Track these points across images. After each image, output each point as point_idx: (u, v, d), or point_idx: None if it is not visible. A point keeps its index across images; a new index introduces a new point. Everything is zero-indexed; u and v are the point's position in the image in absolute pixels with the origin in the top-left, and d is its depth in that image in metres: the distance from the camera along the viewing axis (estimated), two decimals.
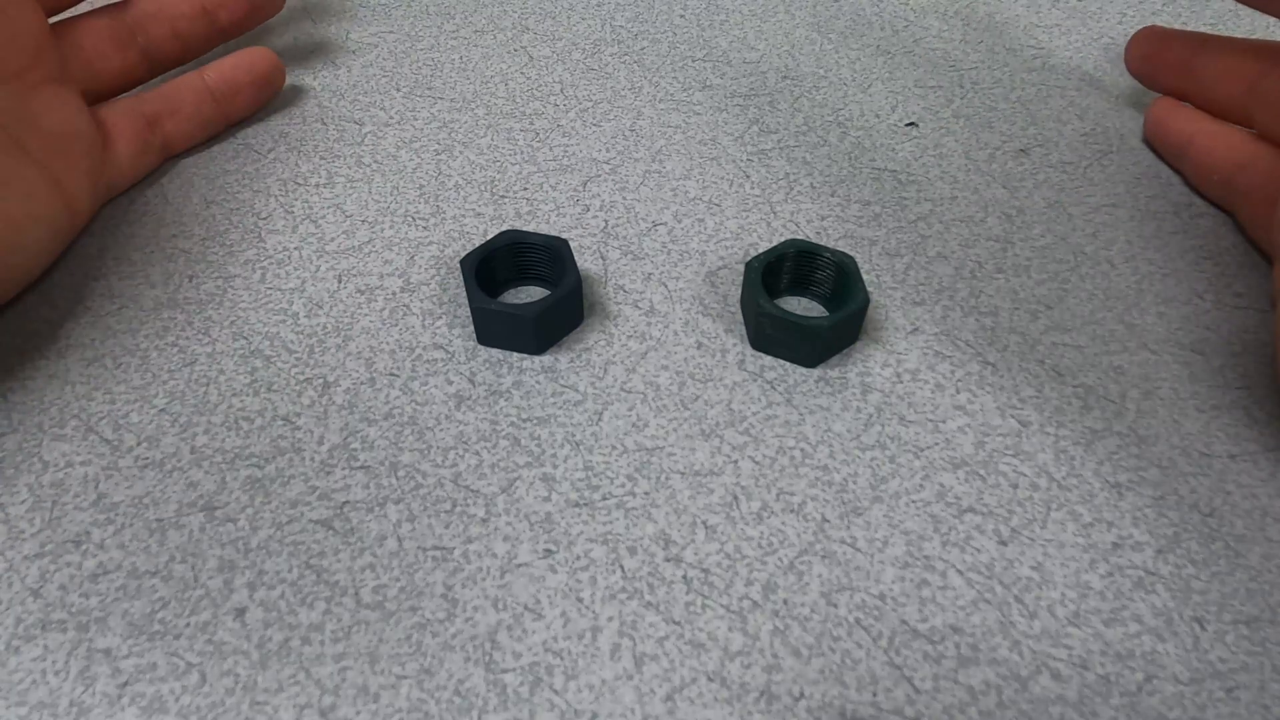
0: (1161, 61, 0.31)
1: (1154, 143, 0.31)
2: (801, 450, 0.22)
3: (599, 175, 0.30)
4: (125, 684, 0.18)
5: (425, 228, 0.28)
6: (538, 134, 0.32)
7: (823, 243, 0.25)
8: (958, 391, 0.23)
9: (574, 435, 0.22)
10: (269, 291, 0.26)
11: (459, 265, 0.25)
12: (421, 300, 0.26)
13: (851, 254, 0.24)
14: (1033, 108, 0.33)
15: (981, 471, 0.21)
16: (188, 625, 0.19)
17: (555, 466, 0.22)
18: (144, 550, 0.20)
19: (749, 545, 0.20)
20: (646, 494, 0.21)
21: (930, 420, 0.23)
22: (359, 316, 0.25)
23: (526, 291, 0.26)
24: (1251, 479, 0.21)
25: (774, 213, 0.29)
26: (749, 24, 0.39)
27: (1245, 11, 0.39)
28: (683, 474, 0.21)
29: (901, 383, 0.23)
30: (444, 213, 0.29)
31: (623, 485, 0.21)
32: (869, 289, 0.24)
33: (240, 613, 0.19)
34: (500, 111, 0.33)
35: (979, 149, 0.32)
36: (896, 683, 0.18)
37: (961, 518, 0.21)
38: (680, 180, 0.30)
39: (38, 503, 0.21)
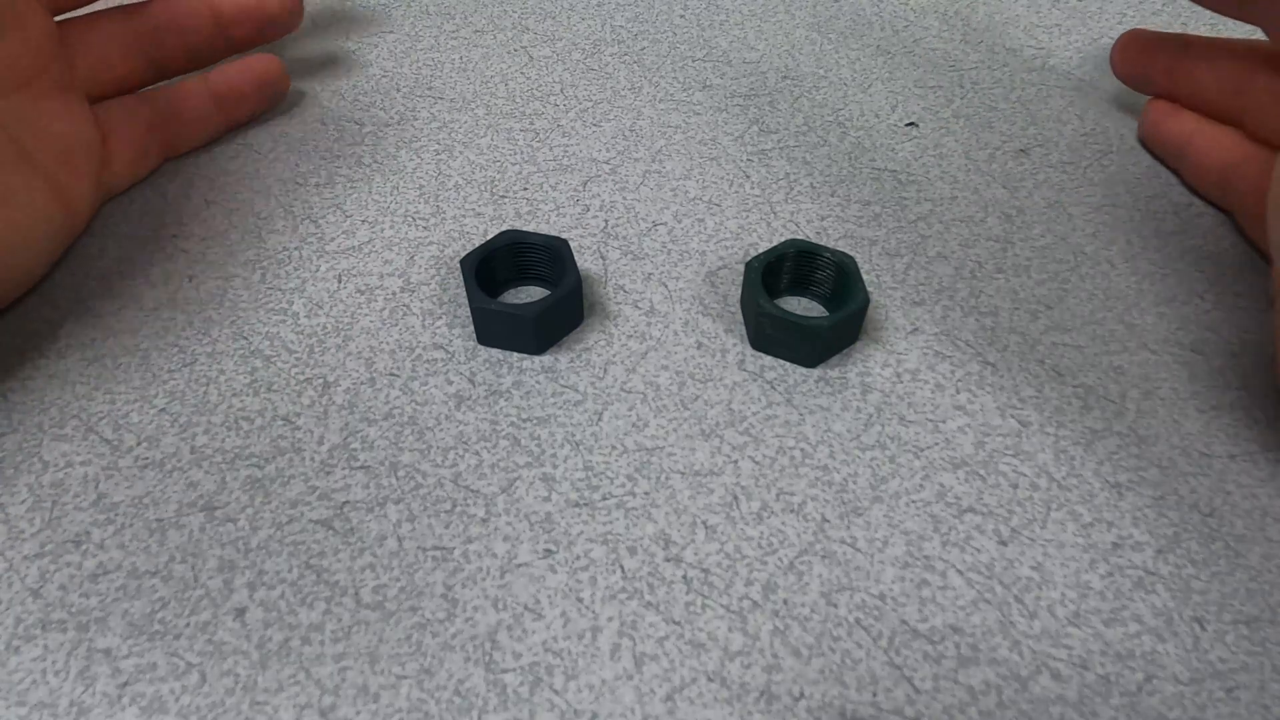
0: (1149, 66, 0.31)
1: (1150, 145, 0.31)
2: (801, 450, 0.22)
3: (599, 175, 0.30)
4: (125, 684, 0.18)
5: (425, 228, 0.28)
6: (538, 134, 0.32)
7: (823, 243, 0.25)
8: (958, 391, 0.23)
9: (574, 435, 0.22)
10: (269, 291, 0.26)
11: (459, 265, 0.25)
12: (421, 300, 0.26)
13: (851, 254, 0.24)
14: (1033, 108, 0.33)
15: (981, 471, 0.21)
16: (188, 625, 0.19)
17: (555, 466, 0.22)
18: (144, 550, 0.20)
19: (749, 545, 0.20)
20: (646, 494, 0.21)
21: (930, 420, 0.23)
22: (359, 316, 0.25)
23: (526, 291, 0.26)
24: (1251, 479, 0.21)
25: (774, 213, 0.29)
26: (749, 24, 0.39)
27: None
28: (683, 474, 0.21)
29: (901, 383, 0.23)
30: (444, 213, 0.29)
31: (623, 485, 0.21)
32: (869, 289, 0.24)
33: (240, 613, 0.19)
34: (500, 111, 0.33)
35: (979, 149, 0.32)
36: (896, 683, 0.18)
37: (961, 518, 0.21)
38: (680, 180, 0.30)
39: (38, 503, 0.21)
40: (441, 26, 0.38)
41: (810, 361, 0.24)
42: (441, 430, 0.22)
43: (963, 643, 0.18)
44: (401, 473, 0.21)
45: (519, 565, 0.20)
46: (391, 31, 0.38)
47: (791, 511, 0.21)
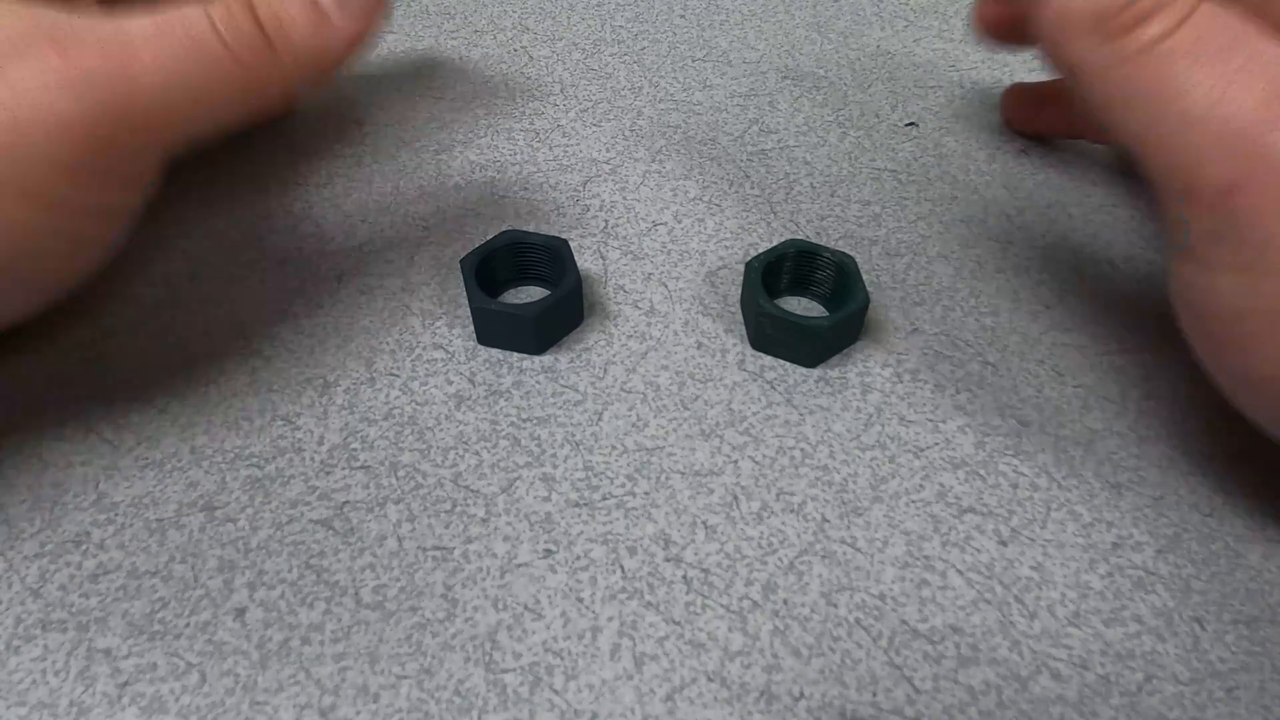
0: (1041, 119, 0.31)
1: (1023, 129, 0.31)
2: (801, 450, 0.22)
3: (599, 175, 0.30)
4: (125, 684, 0.18)
5: (425, 228, 0.28)
6: (538, 134, 0.32)
7: (823, 243, 0.25)
8: (958, 391, 0.23)
9: (574, 435, 0.22)
10: (269, 291, 0.26)
11: (459, 265, 0.25)
12: (421, 300, 0.26)
13: (851, 254, 0.24)
14: None
15: (981, 471, 0.21)
16: (188, 625, 0.19)
17: (555, 466, 0.22)
18: (144, 550, 0.20)
19: (749, 545, 0.20)
20: (646, 494, 0.21)
21: (930, 420, 0.23)
22: (359, 316, 0.25)
23: (526, 291, 0.26)
24: (1251, 479, 0.21)
25: (774, 213, 0.29)
26: (749, 24, 0.39)
27: None
28: (683, 474, 0.21)
29: (901, 383, 0.23)
30: (444, 213, 0.29)
31: (623, 485, 0.21)
32: (869, 289, 0.24)
33: (240, 613, 0.19)
34: (500, 111, 0.33)
35: (979, 149, 0.32)
36: (896, 683, 0.18)
37: (961, 518, 0.21)
38: (680, 180, 0.30)
39: (38, 503, 0.21)
40: (441, 26, 0.38)
41: (810, 361, 0.24)
42: (441, 430, 0.22)
43: (963, 643, 0.18)
44: (401, 473, 0.21)
45: (519, 565, 0.20)
46: (392, 31, 0.38)
47: (791, 511, 0.21)
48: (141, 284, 0.26)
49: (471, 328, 0.24)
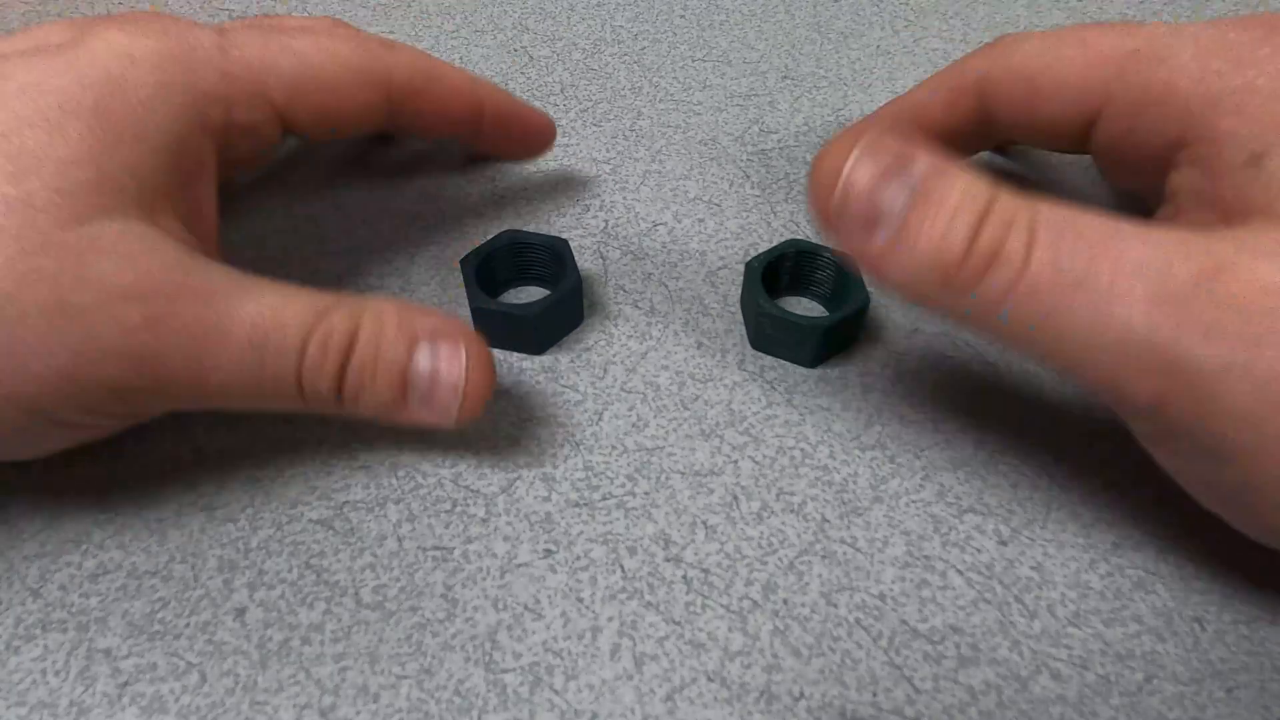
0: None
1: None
2: (801, 450, 0.22)
3: (599, 175, 0.30)
4: (125, 684, 0.18)
5: (425, 228, 0.28)
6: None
7: (823, 243, 0.25)
8: (958, 391, 0.23)
9: (574, 435, 0.22)
10: None
11: (459, 265, 0.25)
12: (421, 300, 0.26)
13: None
14: None
15: (981, 471, 0.21)
16: (188, 625, 0.19)
17: (555, 466, 0.22)
18: (144, 550, 0.20)
19: (749, 545, 0.20)
20: (646, 494, 0.21)
21: (930, 420, 0.23)
22: None
23: (526, 291, 0.26)
24: None
25: (774, 213, 0.29)
26: (749, 24, 0.39)
27: (1245, 11, 0.39)
28: (683, 474, 0.21)
29: (901, 383, 0.23)
30: (444, 213, 0.29)
31: (623, 485, 0.21)
32: (869, 289, 0.24)
33: (240, 613, 0.19)
34: None
35: None
36: (896, 683, 0.18)
37: (961, 518, 0.21)
38: (680, 180, 0.30)
39: (38, 503, 0.21)
40: (442, 26, 0.38)
41: (810, 361, 0.24)
42: (441, 430, 0.22)
43: (963, 643, 0.18)
44: (401, 473, 0.21)
45: (519, 565, 0.20)
46: (392, 32, 0.38)
47: (791, 511, 0.21)
48: None
49: (472, 328, 0.24)
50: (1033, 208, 0.16)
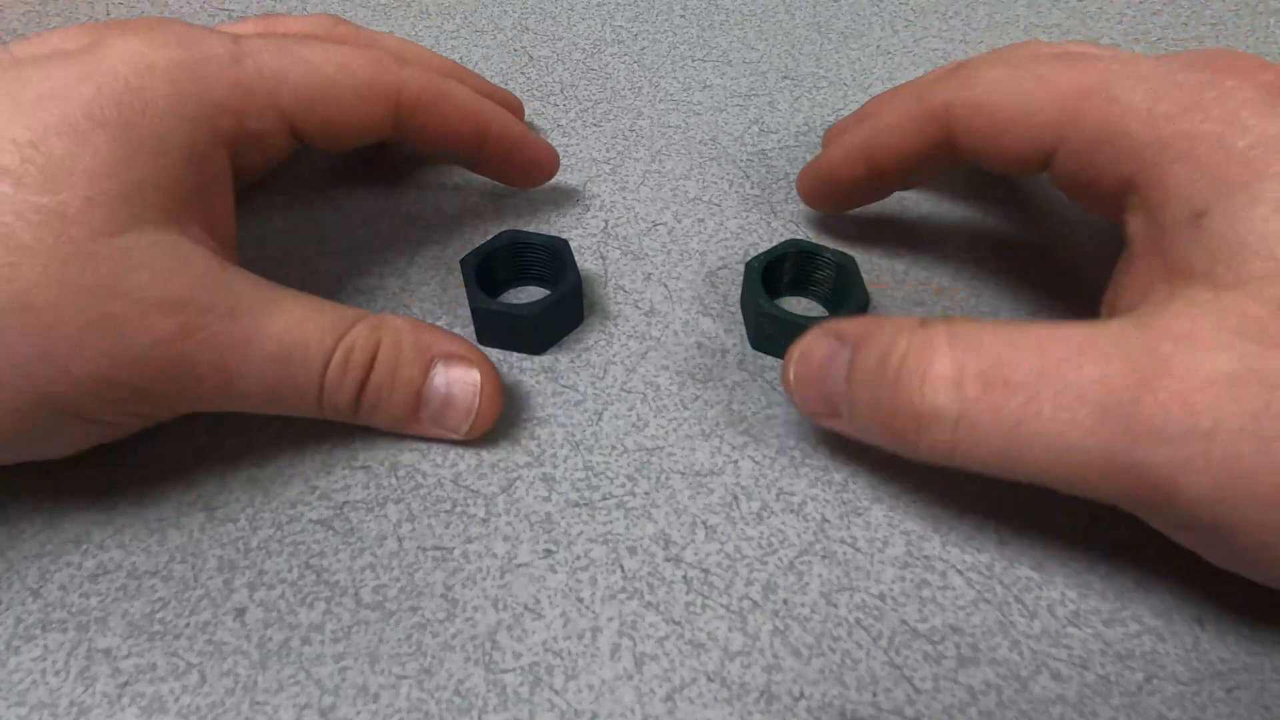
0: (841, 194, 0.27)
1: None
2: (801, 450, 0.22)
3: (599, 175, 0.30)
4: (125, 684, 0.18)
5: (425, 228, 0.28)
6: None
7: (823, 243, 0.25)
8: None
9: (574, 435, 0.22)
10: None
11: (459, 265, 0.25)
12: (421, 300, 0.26)
13: (851, 254, 0.24)
14: None
15: None
16: (188, 625, 0.19)
17: (555, 466, 0.22)
18: (144, 550, 0.20)
19: (749, 545, 0.20)
20: (646, 494, 0.21)
21: None
22: None
23: (526, 291, 0.26)
24: None
25: (774, 213, 0.29)
26: (749, 24, 0.39)
27: (1245, 9, 0.39)
28: (683, 474, 0.21)
29: None
30: (444, 213, 0.29)
31: (623, 485, 0.21)
32: (869, 289, 0.24)
33: (240, 613, 0.19)
34: None
35: None
36: (896, 683, 0.18)
37: (961, 517, 0.21)
38: (680, 180, 0.30)
39: (38, 503, 0.21)
40: (442, 26, 0.38)
41: None
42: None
43: (963, 643, 0.18)
44: (401, 473, 0.21)
45: (519, 565, 0.20)
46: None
47: (791, 511, 0.21)
48: None
49: (471, 328, 0.24)
50: (959, 358, 0.16)
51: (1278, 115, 0.17)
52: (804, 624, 0.19)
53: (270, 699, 0.18)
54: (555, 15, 0.39)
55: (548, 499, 0.21)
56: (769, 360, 0.24)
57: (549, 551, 0.20)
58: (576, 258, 0.26)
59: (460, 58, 0.36)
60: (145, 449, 0.22)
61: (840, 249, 0.24)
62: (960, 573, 0.20)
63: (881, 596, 0.19)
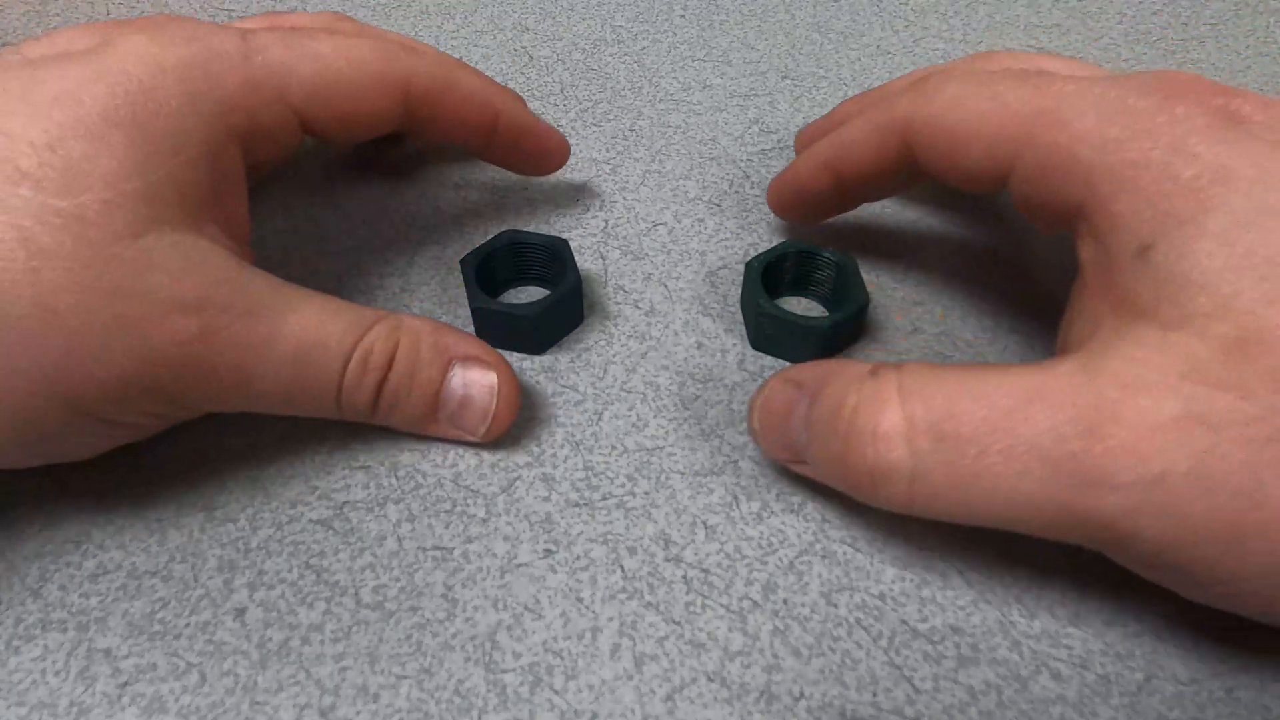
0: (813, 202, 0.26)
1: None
2: None
3: (599, 175, 0.30)
4: (125, 684, 0.18)
5: (425, 228, 0.28)
6: None
7: (822, 243, 0.25)
8: None
9: (574, 435, 0.22)
10: None
11: (459, 265, 0.25)
12: (421, 300, 0.26)
13: (851, 254, 0.24)
14: None
15: None
16: (188, 625, 0.19)
17: (555, 466, 0.22)
18: (144, 550, 0.20)
19: (749, 545, 0.20)
20: (646, 494, 0.21)
21: None
22: None
23: (526, 291, 0.26)
24: None
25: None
26: (749, 24, 0.39)
27: (1245, 9, 0.39)
28: (683, 474, 0.21)
29: None
30: (444, 213, 0.29)
31: (623, 485, 0.21)
32: (869, 289, 0.24)
33: (240, 613, 0.19)
34: None
35: None
36: (896, 683, 0.18)
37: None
38: (680, 180, 0.30)
39: (38, 503, 0.21)
40: (441, 26, 0.38)
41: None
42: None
43: (963, 643, 0.18)
44: (401, 473, 0.21)
45: (519, 565, 0.20)
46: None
47: (791, 511, 0.21)
48: None
49: (472, 328, 0.24)
50: (910, 410, 0.17)
51: (1226, 143, 0.16)
52: (804, 624, 0.19)
53: (270, 699, 0.18)
54: (555, 15, 0.39)
55: (548, 499, 0.21)
56: (769, 360, 0.24)
57: (549, 551, 0.20)
58: (576, 258, 0.26)
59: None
60: (146, 449, 0.22)
61: (840, 249, 0.24)
62: (960, 573, 0.20)
63: (881, 596, 0.19)
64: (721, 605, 0.19)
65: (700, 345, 0.24)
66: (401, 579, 0.19)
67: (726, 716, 0.17)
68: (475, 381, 0.21)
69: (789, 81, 0.35)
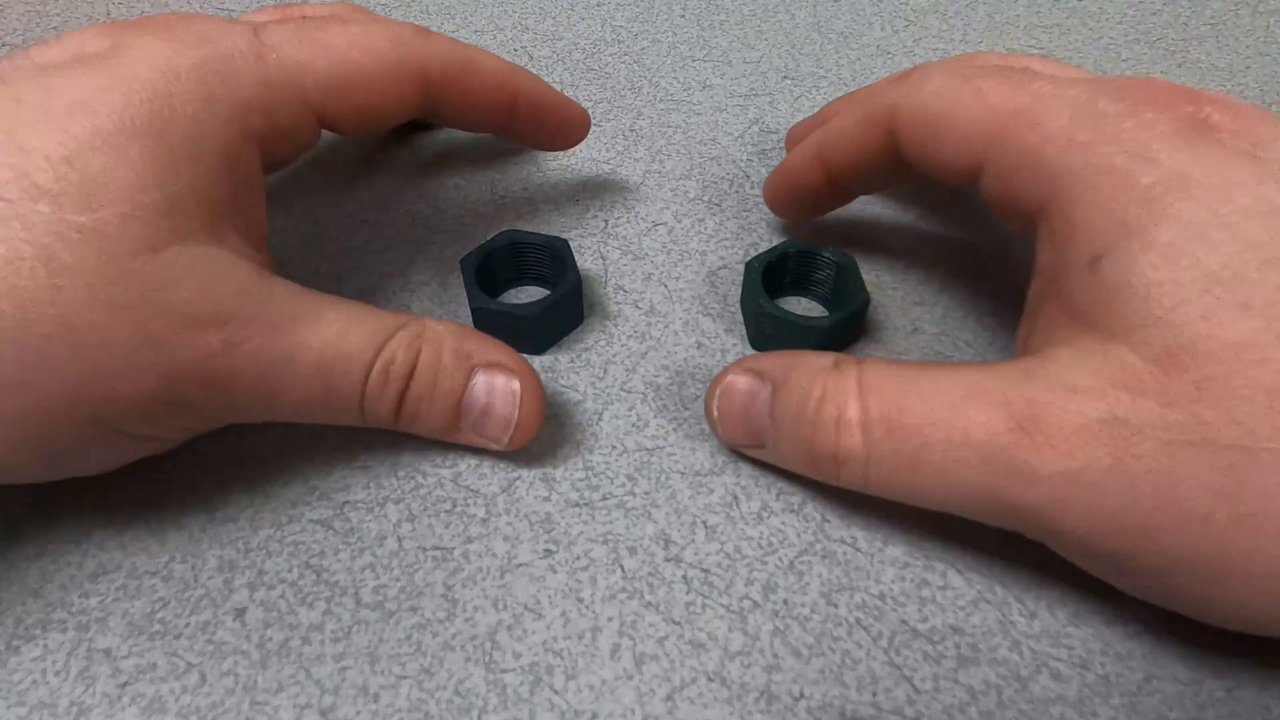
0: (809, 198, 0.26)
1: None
2: None
3: (599, 175, 0.30)
4: (125, 684, 0.18)
5: (425, 228, 0.28)
6: None
7: (823, 243, 0.25)
8: None
9: (574, 435, 0.22)
10: None
11: (459, 265, 0.25)
12: (421, 300, 0.26)
13: (851, 254, 0.24)
14: None
15: None
16: (188, 625, 0.19)
17: (555, 466, 0.22)
18: (144, 550, 0.20)
19: (749, 545, 0.20)
20: (646, 494, 0.21)
21: None
22: None
23: (526, 291, 0.26)
24: None
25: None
26: (749, 24, 0.39)
27: (1245, 9, 0.39)
28: (683, 474, 0.21)
29: None
30: (444, 213, 0.29)
31: (623, 485, 0.21)
32: (869, 289, 0.24)
33: (240, 613, 0.19)
34: None
35: None
36: (896, 683, 0.18)
37: (961, 518, 0.20)
38: (680, 180, 0.30)
39: (38, 503, 0.21)
40: (441, 26, 0.38)
41: None
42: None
43: (963, 643, 0.18)
44: (401, 473, 0.21)
45: (519, 565, 0.20)
46: None
47: (791, 511, 0.21)
48: None
49: (472, 328, 0.24)
50: (866, 403, 0.18)
51: (1189, 150, 0.16)
52: (804, 624, 0.19)
53: (270, 699, 0.18)
54: (555, 15, 0.39)
55: (548, 499, 0.21)
56: None
57: (549, 551, 0.20)
58: (576, 258, 0.26)
59: None
60: None
61: (840, 249, 0.24)
62: (960, 573, 0.20)
63: (881, 596, 0.19)
64: (721, 605, 0.19)
65: (700, 345, 0.24)
66: (401, 579, 0.19)
67: (726, 716, 0.17)
68: (498, 389, 0.20)
69: (789, 81, 0.35)
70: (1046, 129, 0.18)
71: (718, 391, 0.21)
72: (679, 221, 0.28)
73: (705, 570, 0.20)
